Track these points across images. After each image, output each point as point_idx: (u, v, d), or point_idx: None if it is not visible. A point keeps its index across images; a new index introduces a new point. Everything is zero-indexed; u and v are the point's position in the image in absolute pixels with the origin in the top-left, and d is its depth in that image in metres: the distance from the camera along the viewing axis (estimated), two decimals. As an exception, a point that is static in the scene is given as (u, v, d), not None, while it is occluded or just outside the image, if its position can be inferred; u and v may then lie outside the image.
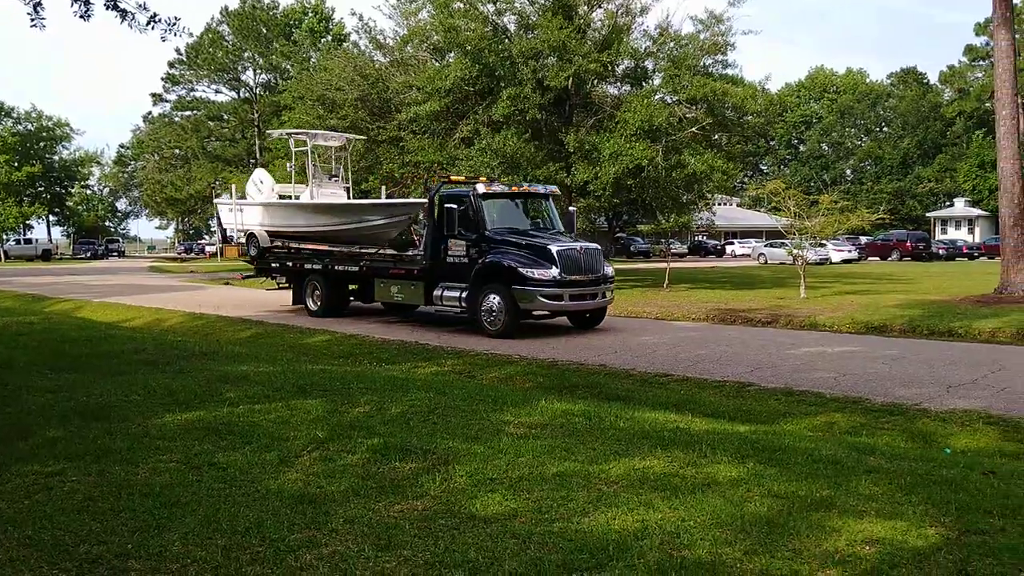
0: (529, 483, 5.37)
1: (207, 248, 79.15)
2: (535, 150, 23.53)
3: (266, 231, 20.10)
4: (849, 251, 50.62)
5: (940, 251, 56.30)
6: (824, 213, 23.38)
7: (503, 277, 14.85)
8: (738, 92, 25.26)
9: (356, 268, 18.09)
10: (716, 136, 27.01)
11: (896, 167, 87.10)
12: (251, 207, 20.79)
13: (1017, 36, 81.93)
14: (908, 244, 55.19)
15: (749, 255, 59.84)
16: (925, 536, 4.47)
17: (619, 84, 26.89)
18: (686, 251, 67.45)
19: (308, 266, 19.21)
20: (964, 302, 19.05)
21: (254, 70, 72.04)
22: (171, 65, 73.09)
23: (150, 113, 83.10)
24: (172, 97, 75.78)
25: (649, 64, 25.87)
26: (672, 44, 25.00)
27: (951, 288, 23.81)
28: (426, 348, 14.12)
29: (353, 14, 70.03)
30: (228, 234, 22.33)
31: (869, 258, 54.59)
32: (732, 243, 71.07)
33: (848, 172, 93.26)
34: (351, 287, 19.15)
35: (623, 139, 22.54)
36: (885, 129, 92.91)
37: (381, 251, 17.70)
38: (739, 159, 30.40)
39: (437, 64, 25.35)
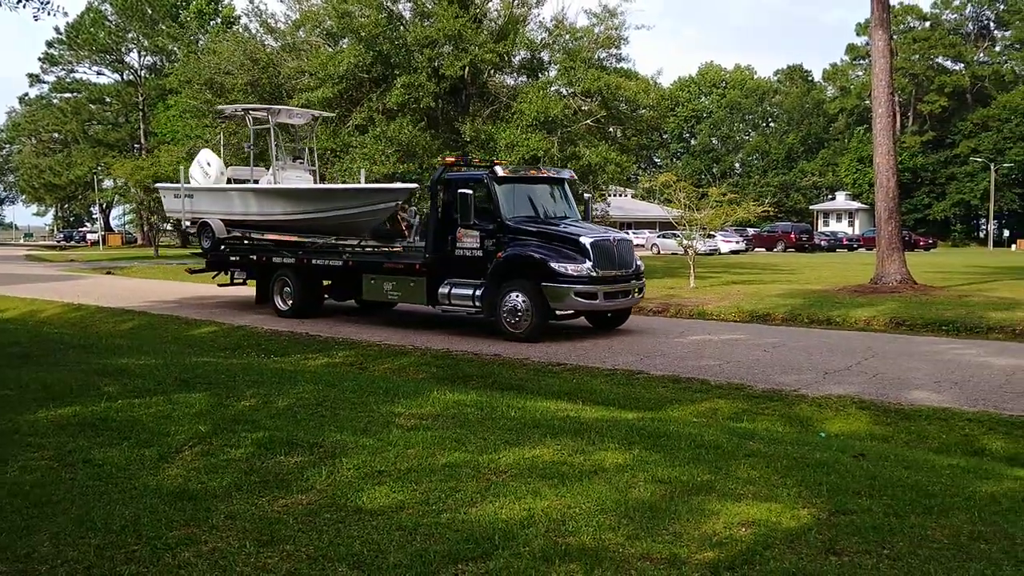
0: (418, 475, 5.35)
1: (88, 236, 75.72)
2: (431, 139, 23.40)
3: (222, 220, 17.65)
4: (737, 242, 52.25)
5: (822, 243, 58.72)
6: (713, 205, 24.02)
7: (529, 272, 13.03)
8: (631, 86, 25.72)
9: (339, 262, 15.82)
10: (611, 129, 27.41)
11: (782, 161, 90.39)
12: (203, 193, 18.22)
13: (894, 37, 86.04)
14: (792, 236, 57.34)
15: (643, 246, 61.09)
16: (798, 517, 4.65)
17: (516, 75, 27.01)
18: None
19: (277, 260, 16.91)
20: (842, 292, 19.91)
21: (139, 52, 69.02)
22: (49, 45, 69.51)
23: (27, 95, 78.99)
24: (50, 78, 72.10)
25: (545, 56, 26.06)
26: (567, 36, 25.24)
27: (831, 278, 24.85)
28: (317, 339, 13.88)
29: (244, -4, 68.14)
30: (176, 223, 21.29)
31: (756, 249, 56.45)
32: (627, 234, 72.24)
33: (737, 165, 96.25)
34: (325, 283, 17.10)
35: (519, 130, 22.64)
36: (772, 124, 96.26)
37: (363, 243, 16.00)
38: (633, 152, 30.94)
39: (330, 50, 24.88)
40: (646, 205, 77.98)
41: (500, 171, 13.93)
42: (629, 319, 14.89)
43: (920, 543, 4.27)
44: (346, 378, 9.11)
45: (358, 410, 7.23)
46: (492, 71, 25.55)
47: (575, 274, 12.79)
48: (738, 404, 8.97)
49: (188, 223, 18.73)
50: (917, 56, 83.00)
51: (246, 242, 18.22)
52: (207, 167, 18.55)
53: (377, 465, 5.55)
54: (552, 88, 25.29)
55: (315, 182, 18.48)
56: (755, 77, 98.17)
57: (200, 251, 19.09)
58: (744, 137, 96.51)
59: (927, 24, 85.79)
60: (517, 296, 13.08)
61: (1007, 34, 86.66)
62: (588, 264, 12.90)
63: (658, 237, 54.03)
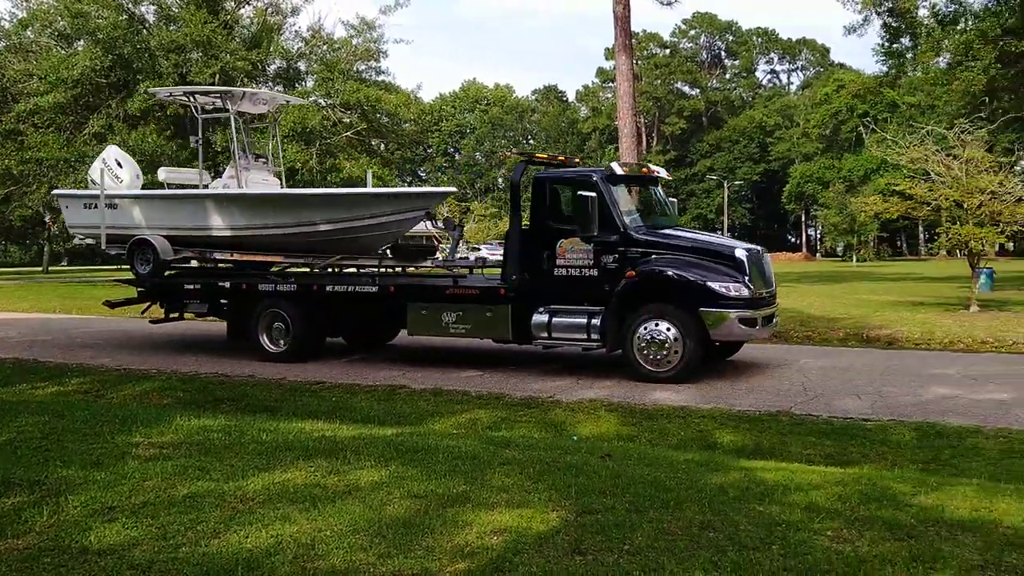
0: (155, 508, 4.97)
1: None
2: (178, 148, 22.17)
3: (167, 236, 13.45)
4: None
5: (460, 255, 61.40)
6: (476, 220, 24.48)
7: (678, 295, 10.59)
8: (392, 99, 25.80)
9: (372, 288, 12.37)
10: (373, 142, 27.30)
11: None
12: (136, 202, 13.89)
13: (638, 62, 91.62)
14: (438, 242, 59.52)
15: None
16: (547, 520, 4.77)
17: (271, 84, 26.23)
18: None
19: (266, 287, 13.17)
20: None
21: None
22: None
23: None
24: None
25: (302, 66, 25.55)
26: (325, 47, 24.90)
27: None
28: (46, 367, 12.63)
29: (-37, -11, 61.40)
30: (86, 241, 15.02)
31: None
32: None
33: (500, 180, 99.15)
34: (331, 316, 13.30)
35: (274, 140, 21.98)
36: (531, 141, 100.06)
37: (382, 263, 13.49)
38: (396, 165, 31.00)
39: (63, 52, 22.94)
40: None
41: (618, 169, 11.54)
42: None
43: (657, 536, 4.50)
44: (77, 407, 8.36)
45: (90, 442, 6.63)
46: (245, 79, 24.65)
47: (736, 295, 10.43)
48: (497, 413, 9.14)
49: (110, 243, 14.11)
50: (659, 81, 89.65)
51: (208, 266, 14.59)
52: (117, 169, 14.28)
53: (108, 500, 5.10)
54: (311, 99, 24.78)
55: (282, 187, 15.10)
56: (514, 96, 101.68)
57: (132, 278, 14.41)
58: (506, 153, 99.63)
59: (667, 51, 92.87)
60: (662, 326, 10.47)
61: (736, 63, 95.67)
62: (745, 283, 10.55)
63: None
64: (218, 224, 13.21)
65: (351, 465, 5.98)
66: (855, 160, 70.95)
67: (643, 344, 10.54)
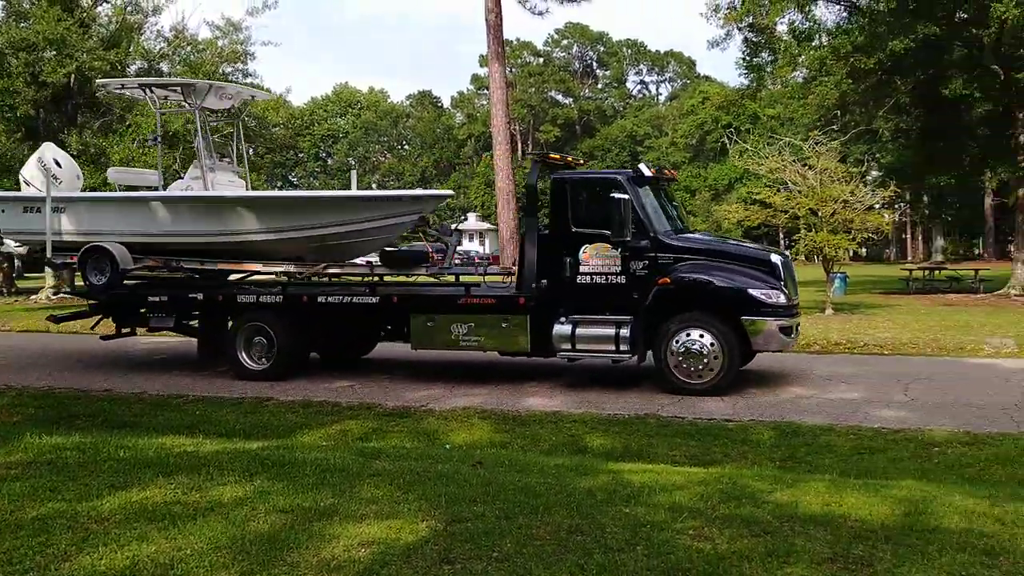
0: (0, 532, 4.67)
1: None
2: (29, 151, 20.94)
3: (125, 243, 12.14)
4: (378, 263, 52.97)
5: (456, 261, 61.58)
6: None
7: (715, 302, 10.17)
8: (260, 103, 25.09)
9: (373, 299, 11.58)
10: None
11: (416, 183, 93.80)
12: (89, 205, 12.77)
13: (512, 70, 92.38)
14: (433, 255, 59.49)
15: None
16: (417, 531, 4.73)
17: (133, 85, 25.11)
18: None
19: (246, 299, 12.02)
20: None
21: None
22: None
23: None
24: None
25: (165, 67, 24.57)
26: (189, 48, 24.04)
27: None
28: None
29: None
30: (19, 250, 13.76)
31: (394, 268, 57.73)
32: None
33: (374, 186, 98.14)
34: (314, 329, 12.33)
35: (135, 144, 21.08)
36: (406, 147, 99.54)
37: (373, 270, 12.65)
38: (267, 170, 30.21)
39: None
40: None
41: (646, 170, 10.93)
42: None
43: (526, 542, 4.53)
44: (-88, 429, 7.77)
45: (-76, 466, 6.17)
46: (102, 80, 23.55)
47: (775, 303, 10.05)
48: (369, 423, 9.03)
49: (57, 251, 12.55)
50: (533, 89, 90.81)
51: (176, 275, 13.00)
52: (55, 168, 12.82)
53: (-55, 528, 4.76)
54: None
55: (248, 189, 13.96)
56: (388, 100, 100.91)
57: (84, 290, 13.04)
58: (380, 159, 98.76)
59: (541, 60, 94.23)
60: (696, 334, 10.06)
61: (607, 73, 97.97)
62: (782, 289, 10.18)
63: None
64: (186, 229, 12.08)
65: (214, 481, 5.78)
66: (720, 169, 73.68)
67: (679, 355, 10.09)
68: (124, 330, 13.24)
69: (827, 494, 5.59)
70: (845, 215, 19.10)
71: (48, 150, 13.34)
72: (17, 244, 13.71)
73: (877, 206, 26.61)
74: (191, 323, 12.98)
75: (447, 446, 7.98)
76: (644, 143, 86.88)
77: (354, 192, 13.04)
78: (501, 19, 22.37)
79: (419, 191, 12.53)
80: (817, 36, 32.80)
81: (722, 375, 10.02)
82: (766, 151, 28.56)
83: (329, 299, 11.69)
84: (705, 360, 10.01)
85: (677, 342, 10.11)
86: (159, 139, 13.17)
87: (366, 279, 12.78)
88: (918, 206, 57.36)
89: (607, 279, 10.47)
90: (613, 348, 10.26)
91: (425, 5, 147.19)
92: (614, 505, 5.26)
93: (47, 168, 12.72)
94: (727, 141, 39.21)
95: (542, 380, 11.10)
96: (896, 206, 54.57)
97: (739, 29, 31.52)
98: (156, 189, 13.24)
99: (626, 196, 10.39)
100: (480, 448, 7.90)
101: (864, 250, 50.57)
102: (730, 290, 10.13)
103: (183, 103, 13.40)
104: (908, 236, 69.69)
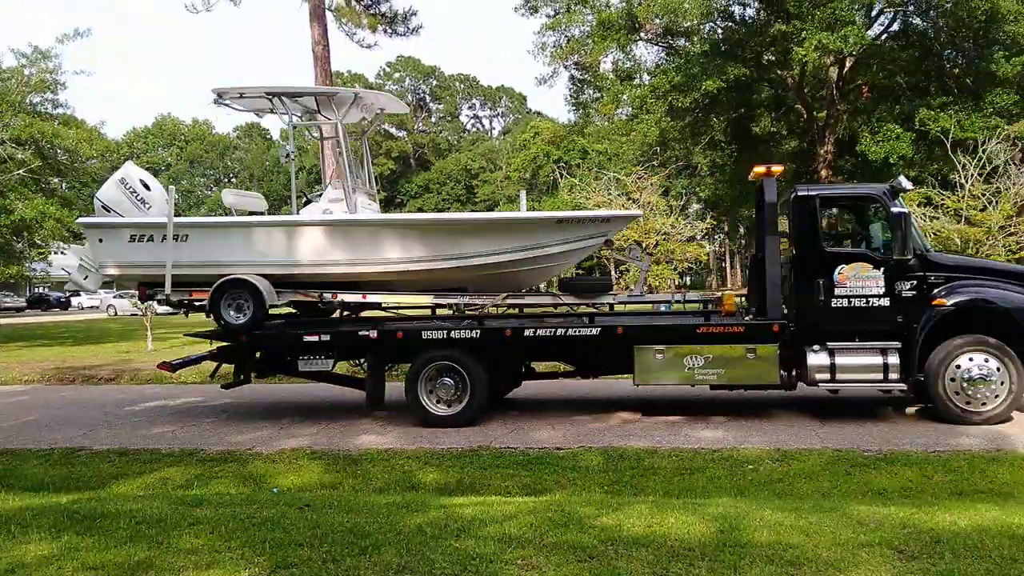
0: None
1: None
2: None
3: (269, 276, 10.68)
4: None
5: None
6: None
7: (1004, 325, 9.46)
8: (72, 135, 23.69)
9: (592, 331, 10.31)
10: (50, 180, 24.94)
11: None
12: (221, 231, 11.05)
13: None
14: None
15: (98, 307, 56.53)
16: (238, 581, 4.55)
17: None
18: (24, 305, 60.88)
19: (431, 335, 10.47)
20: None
21: None
22: None
23: None
24: None
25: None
26: (-11, 77, 22.43)
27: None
28: None
29: None
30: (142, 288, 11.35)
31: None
32: (79, 295, 66.32)
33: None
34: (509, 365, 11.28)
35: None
36: (234, 179, 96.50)
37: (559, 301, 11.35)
38: (78, 205, 28.48)
39: None
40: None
41: (907, 184, 10.06)
42: (74, 388, 13.46)
43: (352, 585, 4.44)
44: None
45: None
46: None
47: None
48: (191, 470, 8.60)
49: (177, 287, 10.89)
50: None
51: (347, 312, 11.64)
52: (143, 191, 11.11)
53: None
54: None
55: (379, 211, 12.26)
56: (214, 132, 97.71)
57: (214, 330, 11.23)
58: (206, 192, 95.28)
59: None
60: (980, 359, 9.43)
61: (440, 107, 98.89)
62: None
63: (114, 298, 50.30)
64: (335, 258, 10.69)
65: (16, 540, 5.37)
66: (551, 203, 75.67)
67: (960, 382, 9.45)
68: (242, 377, 11.52)
69: (650, 515, 5.80)
70: (667, 246, 20.05)
71: (133, 170, 11.51)
72: (110, 279, 11.73)
73: (697, 237, 28.12)
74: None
75: (275, 489, 7.72)
76: (479, 176, 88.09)
77: (537, 214, 11.98)
78: (328, 51, 22.20)
79: (606, 212, 11.56)
80: (638, 75, 34.44)
81: (1008, 403, 9.43)
82: (594, 185, 29.65)
83: (538, 332, 10.39)
84: (992, 387, 9.42)
85: (959, 368, 9.48)
86: (292, 156, 11.37)
87: (573, 309, 11.67)
88: (735, 236, 60.93)
89: (868, 302, 9.73)
90: (881, 377, 9.64)
91: (252, 33, 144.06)
92: (444, 540, 5.25)
93: (133, 191, 11.00)
94: (558, 175, 40.37)
95: (375, 417, 10.94)
96: (714, 237, 57.83)
97: (565, 67, 32.70)
98: (262, 214, 12.10)
99: (904, 211, 9.72)
100: (310, 490, 7.70)
101: (687, 279, 53.14)
102: (1020, 311, 9.54)
103: (316, 115, 12.05)
104: (727, 264, 73.81)
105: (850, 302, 9.73)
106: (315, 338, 10.62)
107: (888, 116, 28.36)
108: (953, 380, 9.46)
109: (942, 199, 19.86)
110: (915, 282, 9.67)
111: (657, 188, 31.39)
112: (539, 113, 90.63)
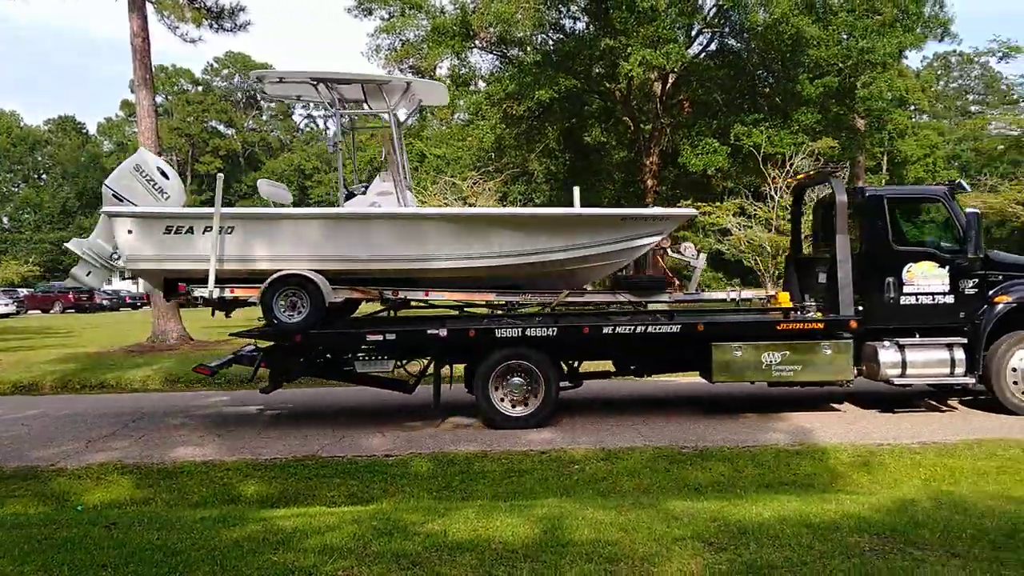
0: None
1: None
2: None
3: (324, 271, 9.95)
4: (7, 304, 47.21)
5: (104, 302, 56.64)
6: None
7: None
8: None
9: (672, 328, 10.14)
10: None
11: (57, 216, 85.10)
12: (272, 223, 10.08)
13: (169, 98, 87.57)
14: (71, 296, 54.16)
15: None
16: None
17: None
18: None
19: (505, 333, 10.06)
20: (118, 352, 19.32)
21: None
22: None
23: None
24: None
25: None
26: None
27: (109, 340, 23.97)
28: None
29: None
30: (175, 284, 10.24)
31: (31, 311, 51.78)
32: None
33: (4, 219, 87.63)
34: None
35: None
36: (44, 177, 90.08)
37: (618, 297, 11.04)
38: None
39: None
40: None
41: (967, 185, 10.72)
42: None
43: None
44: None
45: None
46: None
47: None
48: (-17, 490, 7.89)
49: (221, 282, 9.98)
50: (192, 118, 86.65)
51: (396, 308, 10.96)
52: (161, 180, 10.12)
53: None
54: None
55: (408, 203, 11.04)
56: (23, 125, 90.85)
57: (264, 328, 10.27)
58: (12, 188, 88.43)
59: (200, 88, 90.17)
60: None
61: (272, 105, 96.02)
62: None
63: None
64: (410, 253, 10.08)
65: None
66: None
67: (1020, 376, 10.22)
68: (281, 380, 10.83)
69: (476, 520, 5.80)
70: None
71: (148, 156, 10.51)
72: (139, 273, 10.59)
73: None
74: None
75: (79, 508, 7.20)
76: (313, 177, 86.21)
77: (604, 211, 11.80)
78: (148, 44, 21.03)
79: (662, 209, 11.43)
80: (474, 82, 34.72)
81: None
82: (432, 189, 29.61)
83: (618, 330, 10.18)
84: None
85: (1020, 362, 10.22)
86: (338, 146, 10.71)
87: (643, 307, 11.39)
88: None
89: (934, 299, 10.28)
90: (948, 371, 10.17)
91: (68, 22, 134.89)
92: (262, 554, 5.05)
93: (150, 179, 10.06)
94: (393, 178, 40.02)
95: (193, 428, 10.44)
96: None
97: (400, 70, 32.48)
98: (289, 206, 11.24)
99: (977, 211, 10.43)
100: (119, 507, 7.25)
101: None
102: None
103: (363, 104, 11.45)
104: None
105: (918, 299, 10.28)
106: (379, 337, 10.13)
107: (706, 130, 29.91)
108: (1014, 374, 10.23)
109: (755, 209, 21.11)
110: (977, 280, 10.33)
111: (494, 193, 31.80)
112: (376, 115, 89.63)
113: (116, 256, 10.09)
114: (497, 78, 32.37)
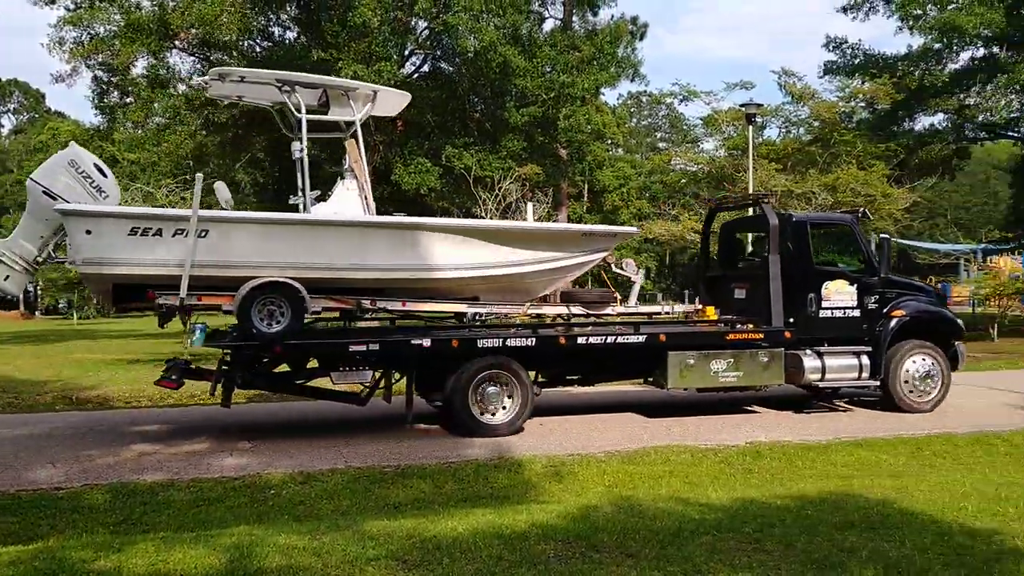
0: None
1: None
2: None
3: (302, 279, 9.29)
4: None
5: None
6: None
7: (938, 330, 12.08)
8: None
9: (638, 339, 10.83)
10: None
11: None
12: (251, 228, 9.56)
13: None
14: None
15: None
16: None
17: None
18: None
19: (487, 343, 10.18)
20: None
21: None
22: None
23: None
24: None
25: None
26: None
27: None
28: None
29: None
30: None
31: None
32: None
33: None
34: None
35: None
36: None
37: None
38: None
39: None
40: None
41: (869, 214, 12.49)
42: None
43: None
44: None
45: None
46: None
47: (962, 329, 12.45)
48: None
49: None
50: None
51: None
52: (99, 178, 9.19)
53: None
54: None
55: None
56: None
57: (232, 341, 9.91)
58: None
59: None
60: (920, 359, 11.76)
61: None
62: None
63: None
64: (393, 263, 9.92)
65: None
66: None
67: (911, 379, 11.70)
68: (231, 392, 10.35)
69: (156, 553, 5.37)
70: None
71: (82, 152, 9.62)
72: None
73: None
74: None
75: None
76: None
77: (567, 226, 12.98)
78: None
79: (615, 228, 12.81)
80: (173, 84, 32.73)
81: (941, 395, 11.80)
82: (124, 196, 27.38)
83: (591, 340, 10.82)
84: (931, 382, 11.74)
85: (911, 367, 11.71)
86: (304, 153, 10.15)
87: (610, 318, 12.02)
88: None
89: (845, 313, 11.65)
90: (857, 376, 11.56)
91: None
92: None
93: (87, 176, 9.18)
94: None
95: None
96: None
97: (88, 67, 29.91)
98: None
99: (888, 237, 12.36)
100: None
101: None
102: (948, 319, 12.25)
103: (324, 109, 10.68)
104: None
105: (832, 313, 11.66)
106: (362, 348, 9.95)
107: (419, 150, 30.37)
108: (906, 378, 11.74)
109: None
110: (878, 296, 11.82)
111: (189, 204, 30.03)
112: (59, 113, 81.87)
113: (40, 259, 9.44)
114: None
